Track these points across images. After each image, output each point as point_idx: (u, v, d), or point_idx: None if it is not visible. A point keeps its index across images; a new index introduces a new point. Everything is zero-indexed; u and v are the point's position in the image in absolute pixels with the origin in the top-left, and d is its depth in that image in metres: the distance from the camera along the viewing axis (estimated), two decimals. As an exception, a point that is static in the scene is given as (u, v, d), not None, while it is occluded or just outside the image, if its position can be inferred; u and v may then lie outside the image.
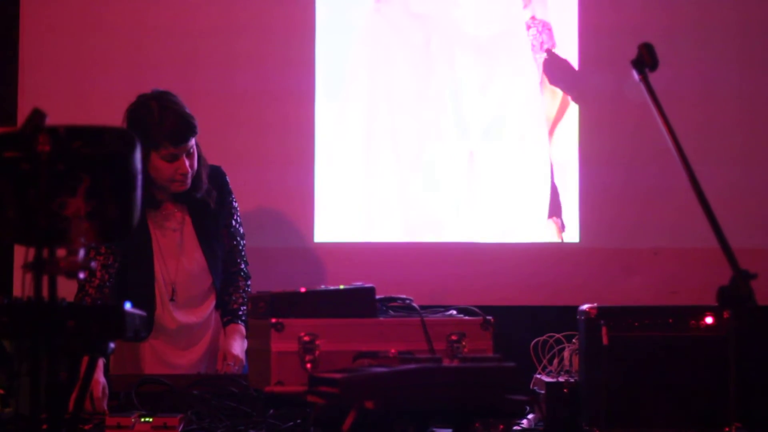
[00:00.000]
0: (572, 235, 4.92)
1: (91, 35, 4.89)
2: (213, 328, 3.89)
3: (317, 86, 4.91)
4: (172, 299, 3.79)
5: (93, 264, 2.19)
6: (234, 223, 3.93)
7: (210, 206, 3.84)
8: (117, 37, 4.89)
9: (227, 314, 3.88)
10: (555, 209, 4.92)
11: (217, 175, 3.89)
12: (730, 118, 4.93)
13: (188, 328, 3.84)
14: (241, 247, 3.95)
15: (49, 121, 2.17)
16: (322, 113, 4.92)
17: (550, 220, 4.92)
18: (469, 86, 4.95)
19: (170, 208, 3.84)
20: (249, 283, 3.94)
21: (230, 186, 3.93)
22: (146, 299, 3.75)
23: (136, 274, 3.78)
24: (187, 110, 3.74)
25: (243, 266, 3.95)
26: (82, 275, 2.19)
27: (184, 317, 3.83)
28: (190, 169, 3.72)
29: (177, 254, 3.81)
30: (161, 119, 3.68)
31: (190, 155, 3.73)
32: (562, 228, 4.91)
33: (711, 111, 4.91)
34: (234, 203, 3.94)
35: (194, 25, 4.91)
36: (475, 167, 4.92)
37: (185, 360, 3.83)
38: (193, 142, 3.74)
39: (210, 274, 3.85)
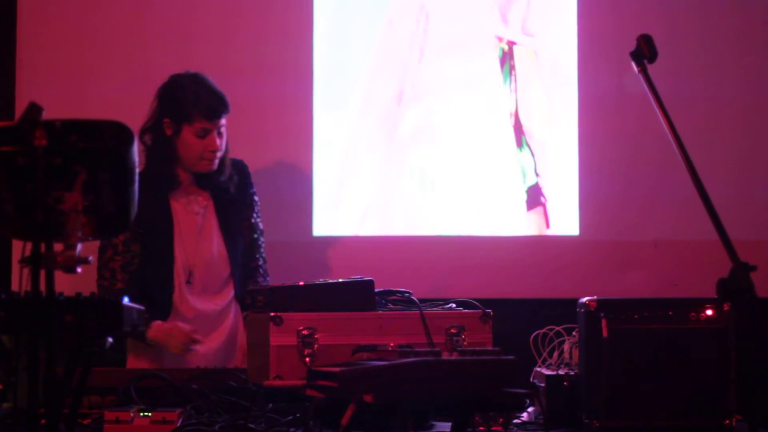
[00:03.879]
0: (572, 227, 4.91)
1: (88, 34, 4.88)
2: (232, 318, 3.90)
3: (315, 84, 4.91)
4: (188, 282, 3.80)
5: (90, 258, 2.18)
6: (254, 216, 3.96)
7: (230, 192, 3.88)
8: (114, 36, 4.87)
9: (247, 309, 3.89)
10: (540, 201, 4.92)
11: (239, 168, 3.93)
12: (730, 109, 4.92)
13: (205, 314, 3.84)
14: (260, 243, 3.97)
15: (46, 116, 2.16)
16: (320, 109, 4.91)
17: (535, 212, 4.91)
18: (467, 80, 4.94)
19: (195, 192, 3.86)
20: (267, 279, 3.95)
21: (251, 179, 3.96)
22: (164, 280, 3.78)
23: (155, 253, 3.80)
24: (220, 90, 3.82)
25: (261, 262, 3.97)
26: (79, 270, 2.18)
27: (200, 303, 3.84)
28: (220, 147, 3.78)
29: (197, 238, 3.83)
30: (196, 93, 3.76)
31: (220, 134, 3.79)
32: (546, 221, 4.91)
33: (711, 105, 4.91)
34: (255, 197, 3.97)
35: (192, 26, 4.89)
36: (475, 160, 4.92)
37: (205, 348, 3.82)
38: (224, 121, 3.80)
39: (229, 263, 3.86)
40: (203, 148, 3.76)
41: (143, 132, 3.82)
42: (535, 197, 4.92)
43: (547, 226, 4.91)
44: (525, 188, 4.91)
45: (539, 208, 4.92)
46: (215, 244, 3.85)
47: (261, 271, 3.95)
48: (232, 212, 3.90)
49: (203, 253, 3.83)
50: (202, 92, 3.77)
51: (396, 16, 4.96)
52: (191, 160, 3.79)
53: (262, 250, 3.97)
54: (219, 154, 3.81)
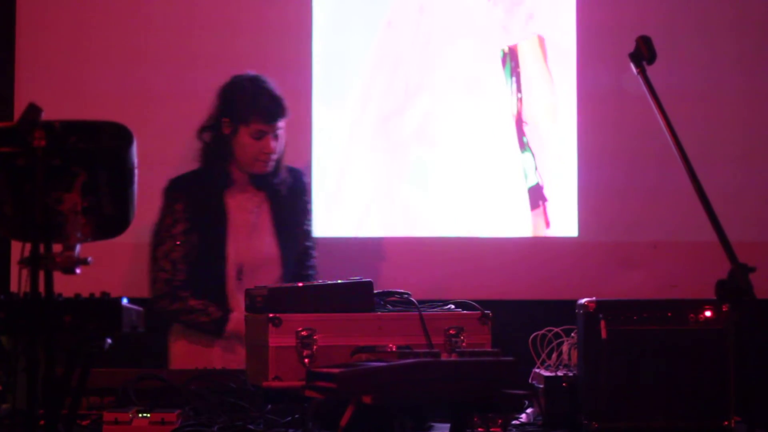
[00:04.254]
0: (571, 228, 4.91)
1: (87, 31, 4.88)
2: None
3: (314, 83, 4.91)
4: (238, 278, 3.82)
5: (89, 259, 2.18)
6: (307, 223, 4.00)
7: (284, 194, 3.95)
8: (114, 34, 4.87)
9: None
10: (539, 202, 4.92)
11: (295, 175, 4.02)
12: (729, 112, 4.93)
13: None
14: (312, 252, 4.03)
15: (45, 116, 2.16)
16: (318, 109, 4.92)
17: (534, 213, 4.92)
18: (467, 81, 4.94)
19: (250, 191, 3.92)
20: None
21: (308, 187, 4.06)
22: (217, 275, 3.84)
23: (208, 248, 3.84)
24: (279, 93, 3.89)
25: (312, 272, 4.00)
26: (78, 271, 2.18)
27: None
28: (276, 150, 3.84)
29: (249, 236, 3.87)
30: (254, 95, 3.86)
31: (276, 137, 3.87)
32: (546, 222, 4.91)
33: (710, 105, 4.91)
34: (309, 206, 4.00)
35: (191, 22, 4.89)
36: (474, 161, 4.92)
37: None
38: (281, 125, 3.87)
39: (281, 265, 3.90)
40: (259, 149, 3.83)
41: (202, 130, 3.92)
42: (536, 198, 4.92)
43: (548, 226, 4.91)
44: (526, 189, 4.91)
45: (539, 210, 4.92)
46: (267, 244, 3.90)
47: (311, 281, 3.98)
48: (286, 215, 3.97)
49: (254, 251, 3.89)
50: (260, 94, 3.85)
51: (396, 17, 4.96)
52: (246, 161, 3.86)
53: (313, 260, 4.02)
54: (274, 157, 3.87)
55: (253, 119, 3.82)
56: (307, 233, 4.02)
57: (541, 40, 4.95)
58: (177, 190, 3.87)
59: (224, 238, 3.86)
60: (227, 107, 3.88)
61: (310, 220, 4.04)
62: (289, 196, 3.97)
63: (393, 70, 4.95)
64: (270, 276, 3.89)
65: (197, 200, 3.85)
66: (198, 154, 3.93)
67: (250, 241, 3.89)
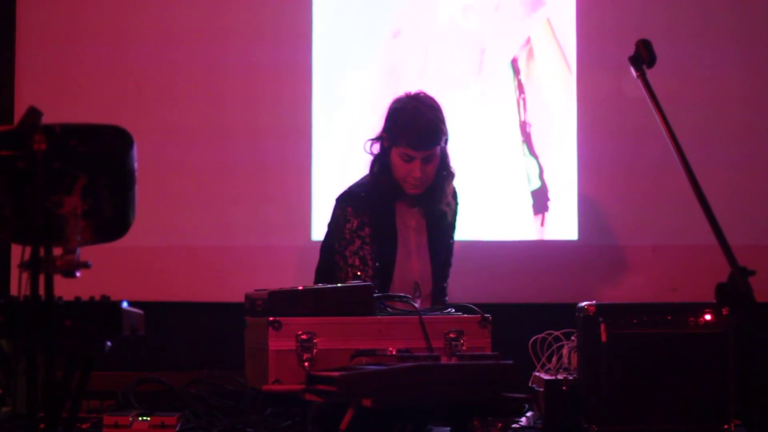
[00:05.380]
0: (571, 232, 4.91)
1: (87, 31, 4.87)
2: None
3: (314, 87, 4.91)
4: (416, 296, 3.80)
5: (89, 262, 2.18)
6: (452, 239, 4.00)
7: (447, 219, 3.94)
8: (113, 31, 4.86)
9: None
10: (542, 206, 4.92)
11: (457, 198, 4.00)
12: (729, 115, 4.92)
13: None
14: (450, 263, 4.01)
15: (46, 119, 2.16)
16: (319, 112, 4.92)
17: (537, 217, 4.92)
18: (467, 79, 4.94)
19: (414, 209, 3.93)
20: (447, 299, 3.99)
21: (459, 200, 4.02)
22: (383, 285, 3.80)
23: (380, 256, 3.82)
24: (442, 120, 3.82)
25: (445, 285, 3.99)
26: (78, 274, 2.18)
27: None
28: (422, 176, 3.79)
29: (417, 253, 3.87)
30: (408, 120, 3.80)
31: (427, 162, 3.80)
32: (543, 225, 4.91)
33: (710, 108, 4.90)
34: (456, 223, 4.01)
35: (190, 18, 4.89)
36: (474, 164, 4.92)
37: None
38: (434, 151, 3.80)
39: (432, 282, 3.91)
40: (407, 171, 3.81)
41: (370, 141, 3.92)
42: (539, 202, 4.91)
43: (543, 225, 4.91)
44: (529, 193, 4.91)
45: (541, 214, 4.92)
46: (425, 263, 3.89)
47: (445, 299, 3.97)
48: (441, 237, 3.96)
49: (420, 269, 3.88)
50: (415, 120, 3.80)
51: (400, 27, 4.96)
52: (398, 179, 3.85)
53: (448, 271, 4.02)
54: (423, 182, 3.83)
55: (401, 142, 3.80)
56: (450, 247, 4.03)
57: (552, 29, 4.95)
58: (354, 196, 3.89)
59: (394, 251, 3.86)
60: (387, 124, 3.89)
61: (454, 236, 4.06)
62: (451, 220, 4.00)
63: (394, 73, 4.95)
64: (425, 290, 3.90)
65: (373, 209, 3.85)
66: (369, 165, 3.95)
67: (418, 260, 3.90)
